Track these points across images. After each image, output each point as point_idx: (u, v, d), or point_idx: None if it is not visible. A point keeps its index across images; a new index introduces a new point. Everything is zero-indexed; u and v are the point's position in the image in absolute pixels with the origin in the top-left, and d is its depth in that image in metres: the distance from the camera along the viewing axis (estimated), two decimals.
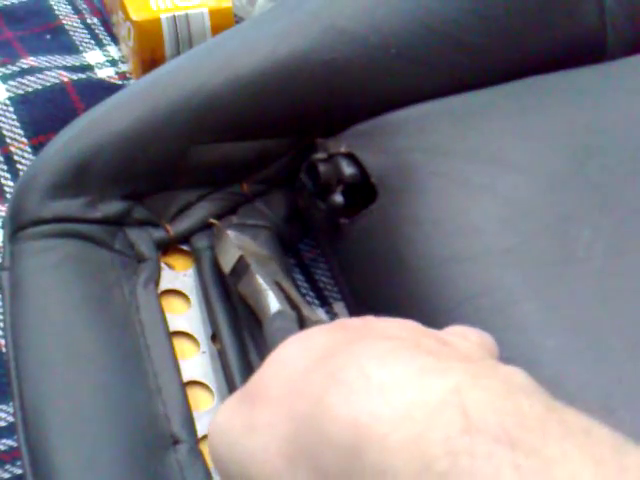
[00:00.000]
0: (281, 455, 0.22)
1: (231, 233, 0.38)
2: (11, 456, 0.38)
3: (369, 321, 0.25)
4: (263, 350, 0.35)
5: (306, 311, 0.34)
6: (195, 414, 0.35)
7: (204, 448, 0.34)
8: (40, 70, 0.54)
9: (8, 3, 0.61)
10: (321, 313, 0.41)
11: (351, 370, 0.21)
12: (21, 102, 0.52)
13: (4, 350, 0.39)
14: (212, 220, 0.40)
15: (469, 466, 0.18)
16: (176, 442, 0.34)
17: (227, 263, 0.37)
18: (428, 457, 0.18)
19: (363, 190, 0.38)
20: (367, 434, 0.19)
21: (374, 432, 0.19)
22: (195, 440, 0.34)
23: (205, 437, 0.35)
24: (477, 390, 0.20)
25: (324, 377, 0.22)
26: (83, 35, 0.59)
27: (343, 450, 0.20)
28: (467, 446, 0.18)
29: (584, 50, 0.42)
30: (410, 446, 0.19)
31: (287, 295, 0.35)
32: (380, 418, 0.20)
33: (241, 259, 0.37)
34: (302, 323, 0.33)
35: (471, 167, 0.37)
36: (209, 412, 0.35)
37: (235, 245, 0.37)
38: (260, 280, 0.35)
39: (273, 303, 0.34)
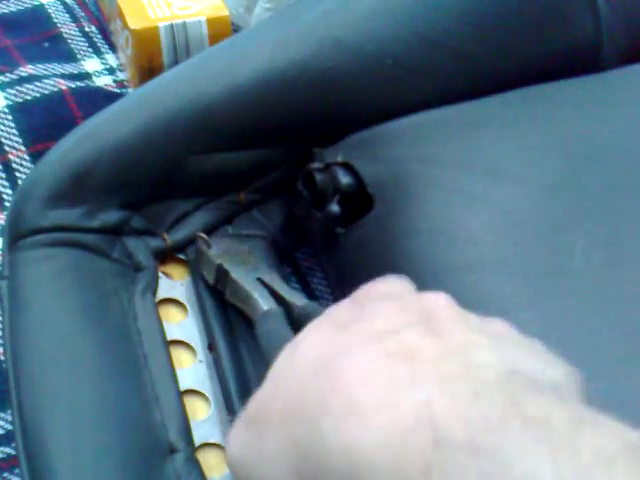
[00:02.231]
0: None
1: (209, 241, 0.39)
2: (9, 464, 0.38)
3: (358, 310, 0.26)
4: (257, 358, 0.35)
5: (292, 299, 0.35)
6: (192, 423, 0.35)
7: (201, 457, 0.34)
8: (38, 78, 0.54)
9: (6, 11, 0.61)
10: None
11: (337, 396, 0.22)
12: (19, 110, 0.52)
13: (2, 358, 0.39)
14: (199, 234, 0.40)
15: None
16: (173, 451, 0.34)
17: (210, 275, 0.38)
18: (409, 478, 0.19)
19: (359, 200, 0.38)
20: (357, 462, 0.20)
21: (362, 460, 0.20)
22: (192, 449, 0.34)
23: (202, 446, 0.35)
24: (445, 399, 0.20)
25: (315, 402, 0.22)
26: (81, 43, 0.59)
27: (344, 477, 0.21)
28: (439, 461, 0.19)
29: (580, 60, 0.42)
30: (392, 470, 0.20)
31: (271, 289, 0.36)
32: (364, 445, 0.20)
33: (219, 267, 0.37)
34: (290, 314, 0.35)
35: (467, 177, 0.37)
36: (206, 421, 0.36)
37: (213, 255, 0.38)
38: (242, 285, 0.36)
39: (259, 305, 0.35)
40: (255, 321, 0.35)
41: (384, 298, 0.27)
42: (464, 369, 0.22)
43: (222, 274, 0.37)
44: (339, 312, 0.27)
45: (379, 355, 0.23)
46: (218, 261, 0.38)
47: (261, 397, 0.25)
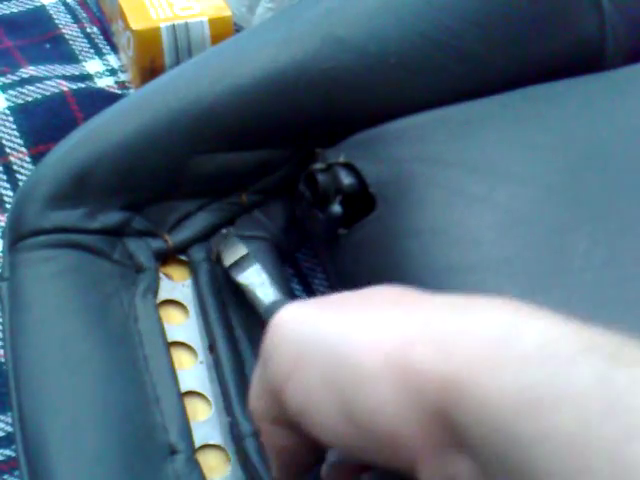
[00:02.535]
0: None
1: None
2: (9, 466, 0.38)
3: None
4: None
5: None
6: (192, 424, 0.35)
7: (201, 458, 0.34)
8: (40, 79, 0.54)
9: (8, 12, 0.61)
10: None
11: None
12: (21, 112, 0.52)
13: (3, 360, 0.39)
14: (225, 230, 0.41)
15: None
16: (173, 452, 0.34)
17: (229, 258, 0.38)
18: None
19: (362, 200, 0.38)
20: None
21: None
22: (192, 450, 0.34)
23: (202, 447, 0.35)
24: None
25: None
26: (83, 44, 0.59)
27: None
28: None
29: (583, 59, 0.42)
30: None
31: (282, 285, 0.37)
32: None
33: (246, 256, 0.38)
34: None
35: (469, 177, 0.37)
36: (206, 422, 0.35)
37: (243, 245, 0.39)
38: (262, 272, 0.37)
39: (274, 292, 0.36)
40: (262, 309, 0.35)
41: None
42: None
43: (248, 260, 0.38)
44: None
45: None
46: (247, 250, 0.38)
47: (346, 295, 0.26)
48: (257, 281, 0.36)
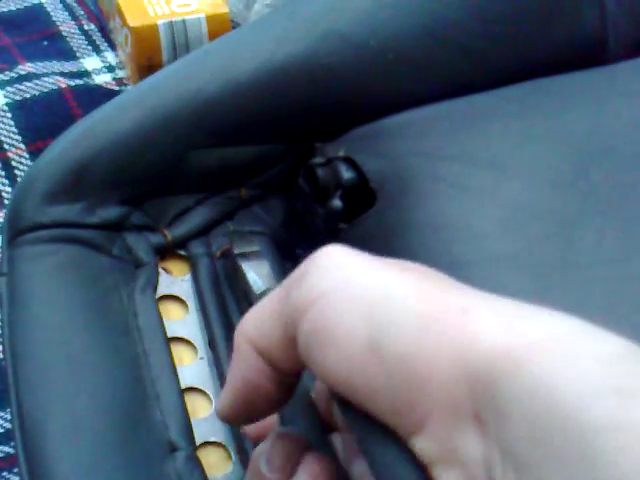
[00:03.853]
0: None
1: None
2: (8, 463, 0.38)
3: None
4: None
5: None
6: (193, 421, 0.35)
7: (202, 456, 0.34)
8: (37, 76, 0.54)
9: (6, 10, 0.61)
10: None
11: None
12: (19, 108, 0.52)
13: (1, 356, 0.39)
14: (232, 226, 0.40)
15: None
16: (174, 450, 0.33)
17: (240, 248, 0.38)
18: None
19: (362, 195, 0.38)
20: None
21: None
22: (193, 448, 0.34)
23: (203, 444, 0.34)
24: None
25: None
26: (80, 41, 0.58)
27: None
28: None
29: (585, 53, 0.42)
30: None
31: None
32: None
33: (257, 252, 0.37)
34: None
35: (472, 171, 0.37)
36: (207, 419, 0.35)
37: (257, 244, 0.38)
38: (270, 269, 0.36)
39: (260, 284, 0.35)
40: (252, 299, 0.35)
41: None
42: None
43: (255, 252, 0.37)
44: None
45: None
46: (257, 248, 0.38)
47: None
48: (263, 272, 0.36)
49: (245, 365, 0.24)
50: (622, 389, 0.18)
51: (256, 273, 0.36)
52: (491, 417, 0.19)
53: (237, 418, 0.26)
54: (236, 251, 0.38)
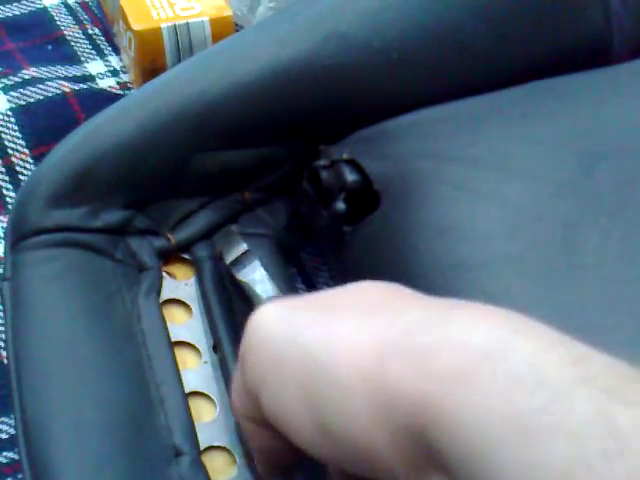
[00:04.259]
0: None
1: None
2: (13, 469, 0.38)
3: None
4: None
5: None
6: (197, 425, 0.34)
7: (206, 460, 0.34)
8: (41, 81, 0.54)
9: (10, 14, 0.61)
10: None
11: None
12: (23, 113, 0.52)
13: (6, 362, 0.39)
14: (232, 227, 0.40)
15: None
16: (178, 454, 0.33)
17: (230, 255, 0.38)
18: None
19: (366, 197, 0.38)
20: None
21: None
22: (197, 452, 0.33)
23: (207, 449, 0.34)
24: None
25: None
26: (84, 45, 0.58)
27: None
28: None
29: (590, 53, 0.42)
30: None
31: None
32: None
33: (247, 253, 0.38)
34: None
35: (476, 173, 0.37)
36: (211, 423, 0.35)
37: (243, 242, 0.38)
38: (262, 268, 0.37)
39: (273, 289, 0.35)
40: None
41: None
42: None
43: (248, 257, 0.37)
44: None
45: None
46: (247, 248, 0.38)
47: (331, 294, 0.25)
48: (257, 277, 0.36)
49: (253, 437, 0.26)
50: (527, 428, 0.18)
51: (251, 279, 0.36)
52: (438, 463, 0.19)
53: (275, 476, 0.28)
54: (227, 260, 0.38)
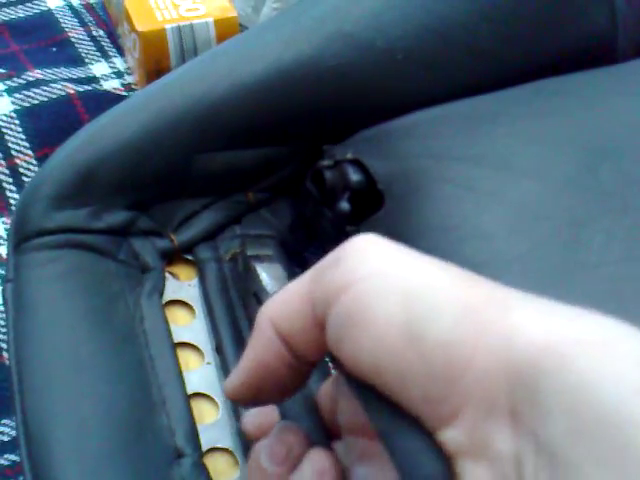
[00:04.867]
0: None
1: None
2: (14, 471, 0.37)
3: None
4: None
5: None
6: (199, 427, 0.34)
7: (208, 462, 0.33)
8: (46, 82, 0.54)
9: (14, 17, 0.61)
10: None
11: None
12: (27, 114, 0.52)
13: (7, 363, 0.39)
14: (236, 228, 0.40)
15: None
16: (180, 456, 0.33)
17: (253, 251, 0.38)
18: None
19: (370, 197, 0.37)
20: None
21: None
22: (199, 454, 0.33)
23: (210, 450, 0.34)
24: None
25: None
26: (89, 47, 0.58)
27: None
28: None
29: (595, 53, 0.42)
30: None
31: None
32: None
33: (270, 256, 0.37)
34: None
35: (480, 173, 0.36)
36: (214, 425, 0.35)
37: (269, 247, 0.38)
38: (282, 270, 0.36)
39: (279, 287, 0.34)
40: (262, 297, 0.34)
41: None
42: None
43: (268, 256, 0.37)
44: None
45: None
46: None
47: None
48: (275, 274, 0.36)
49: (263, 346, 0.24)
50: None
51: (269, 275, 0.36)
52: (529, 412, 0.18)
53: (244, 398, 0.25)
54: (249, 253, 0.37)
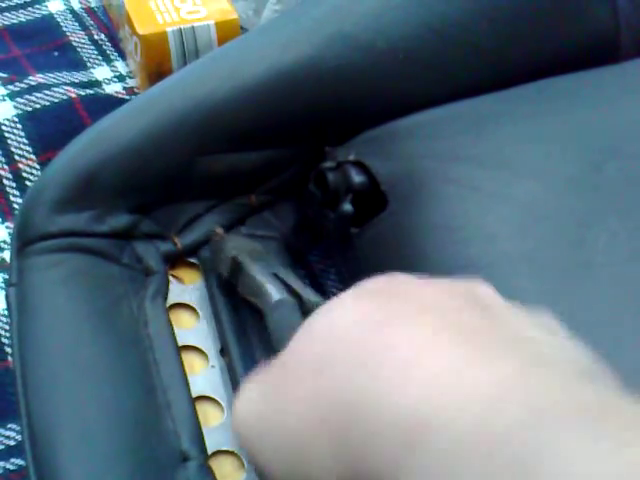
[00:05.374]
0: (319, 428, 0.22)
1: (225, 236, 0.39)
2: (20, 475, 0.37)
3: (396, 287, 0.25)
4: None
5: (306, 295, 0.34)
6: (205, 430, 0.34)
7: (214, 465, 0.33)
8: (48, 87, 0.54)
9: (16, 21, 0.61)
10: None
11: (393, 358, 0.21)
12: (29, 119, 0.52)
13: (12, 367, 0.39)
14: (216, 229, 0.40)
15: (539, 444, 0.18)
16: (185, 459, 0.33)
17: (225, 268, 0.37)
18: (498, 438, 0.18)
19: (373, 198, 0.37)
20: (425, 419, 0.20)
21: (432, 418, 0.20)
22: (205, 457, 0.33)
23: (215, 453, 0.34)
24: (530, 379, 0.20)
25: (362, 361, 0.22)
26: (90, 51, 0.58)
27: (398, 433, 0.20)
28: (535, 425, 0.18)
29: (597, 51, 0.41)
30: (473, 431, 0.19)
31: (285, 284, 0.35)
32: (437, 406, 0.20)
33: (234, 259, 0.37)
34: (303, 308, 0.34)
35: (484, 173, 0.36)
36: (219, 428, 0.35)
37: (228, 247, 0.38)
38: (256, 275, 0.35)
39: (273, 294, 0.34)
40: (266, 312, 0.34)
41: (418, 282, 0.26)
42: (536, 359, 0.21)
43: (237, 266, 0.37)
44: (373, 285, 0.25)
45: (441, 327, 0.22)
46: (233, 253, 0.37)
47: (290, 350, 0.24)
48: (254, 285, 0.36)
49: None
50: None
51: (269, 275, 0.36)
52: None
53: None
54: (252, 255, 0.37)
